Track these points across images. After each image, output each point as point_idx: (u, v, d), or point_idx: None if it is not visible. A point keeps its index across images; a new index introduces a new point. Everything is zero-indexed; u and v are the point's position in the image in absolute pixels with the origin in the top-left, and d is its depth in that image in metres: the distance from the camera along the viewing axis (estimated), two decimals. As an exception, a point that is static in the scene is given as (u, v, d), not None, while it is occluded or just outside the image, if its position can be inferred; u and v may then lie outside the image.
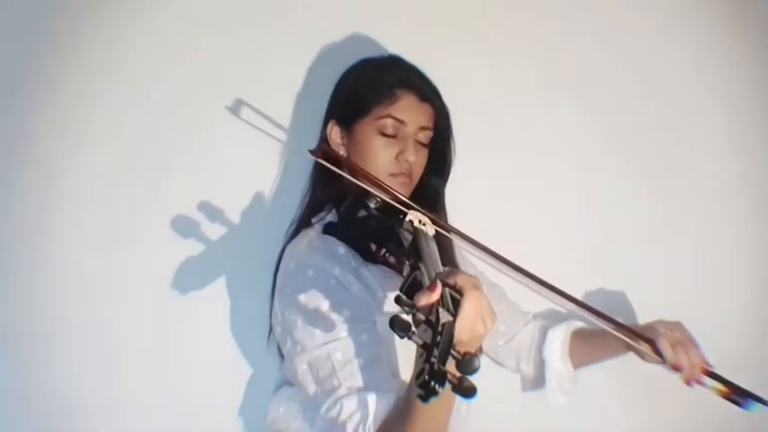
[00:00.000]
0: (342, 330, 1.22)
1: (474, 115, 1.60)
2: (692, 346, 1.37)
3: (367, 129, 1.38)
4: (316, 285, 1.26)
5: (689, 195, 1.74)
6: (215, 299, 1.60)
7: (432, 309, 0.94)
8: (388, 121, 1.37)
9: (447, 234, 1.33)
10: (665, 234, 1.73)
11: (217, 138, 1.62)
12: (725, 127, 1.73)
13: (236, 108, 1.60)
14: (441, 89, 1.43)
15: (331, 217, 1.41)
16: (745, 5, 1.73)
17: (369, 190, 1.31)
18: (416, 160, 1.39)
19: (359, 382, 1.19)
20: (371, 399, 1.16)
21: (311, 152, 1.34)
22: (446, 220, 1.47)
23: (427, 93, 1.41)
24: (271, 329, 1.40)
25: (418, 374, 0.85)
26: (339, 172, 1.32)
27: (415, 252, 1.15)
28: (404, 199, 1.32)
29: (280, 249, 1.41)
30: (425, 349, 0.88)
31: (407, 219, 1.21)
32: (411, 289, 1.06)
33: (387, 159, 1.37)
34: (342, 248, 1.32)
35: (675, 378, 1.38)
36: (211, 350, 1.61)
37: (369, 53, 1.50)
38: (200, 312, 1.60)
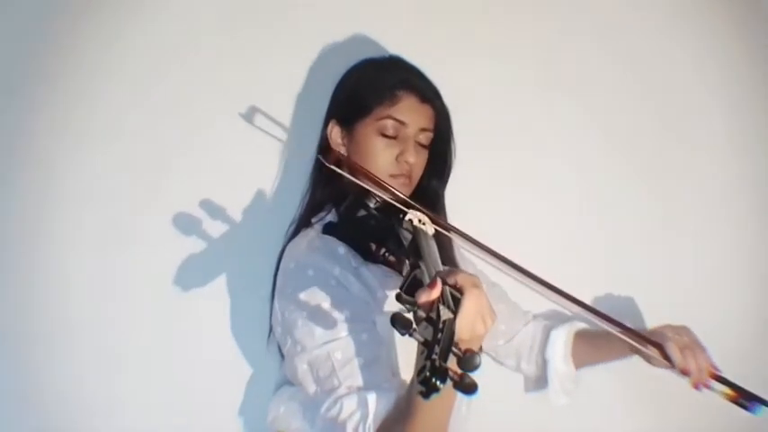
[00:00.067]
0: (342, 330, 1.23)
1: (474, 115, 1.60)
2: (700, 351, 1.38)
3: (367, 129, 1.38)
4: (316, 285, 1.26)
5: (689, 195, 1.74)
6: (215, 299, 1.60)
7: (432, 306, 0.94)
8: (389, 122, 1.37)
9: (446, 233, 1.33)
10: (665, 234, 1.73)
11: (217, 138, 1.62)
12: (725, 127, 1.74)
13: (236, 108, 1.60)
14: (441, 89, 1.43)
15: (331, 217, 1.41)
16: (745, 5, 1.74)
17: (370, 190, 1.31)
18: (416, 161, 1.39)
19: (359, 381, 1.19)
20: (371, 398, 1.16)
21: (323, 159, 1.34)
22: (445, 221, 1.47)
23: (428, 94, 1.41)
24: (271, 329, 1.40)
25: (420, 371, 0.85)
26: (351, 178, 1.33)
27: (414, 251, 1.15)
28: (404, 198, 1.32)
29: (280, 249, 1.41)
30: (427, 346, 0.88)
31: (407, 218, 1.21)
32: (411, 287, 1.06)
33: (387, 160, 1.37)
34: (342, 248, 1.32)
35: (678, 380, 1.39)
36: (211, 350, 1.61)
37: (369, 53, 1.50)
38: (200, 312, 1.60)
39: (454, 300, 0.97)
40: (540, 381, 1.60)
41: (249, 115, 1.60)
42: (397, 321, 0.88)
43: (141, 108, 1.60)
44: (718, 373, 1.38)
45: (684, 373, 1.36)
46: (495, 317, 1.02)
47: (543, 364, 1.57)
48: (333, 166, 1.33)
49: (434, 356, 0.85)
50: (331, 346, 1.22)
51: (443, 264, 1.12)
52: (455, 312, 0.94)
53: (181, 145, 1.61)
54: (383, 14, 1.66)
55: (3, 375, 1.57)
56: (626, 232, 1.72)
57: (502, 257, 1.32)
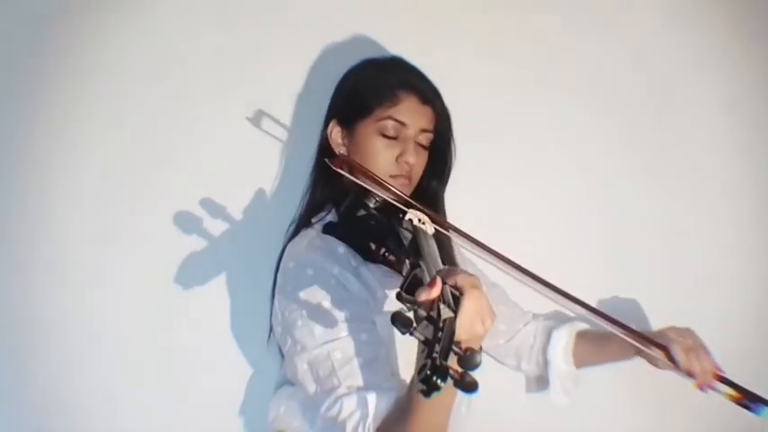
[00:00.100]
0: (341, 330, 1.23)
1: (474, 115, 1.60)
2: (704, 353, 1.39)
3: (368, 130, 1.38)
4: (315, 284, 1.26)
5: (689, 195, 1.74)
6: (215, 299, 1.60)
7: (432, 305, 0.94)
8: (389, 123, 1.37)
9: (446, 233, 1.33)
10: (666, 234, 1.73)
11: (217, 138, 1.61)
12: (725, 127, 1.74)
13: (236, 108, 1.60)
14: (441, 89, 1.43)
15: (331, 217, 1.41)
16: (745, 5, 1.74)
17: (370, 189, 1.31)
18: (416, 162, 1.39)
19: (358, 381, 1.19)
20: (371, 398, 1.16)
21: (330, 162, 1.34)
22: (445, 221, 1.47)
23: (429, 95, 1.41)
24: (271, 329, 1.40)
25: (420, 370, 0.85)
26: (358, 181, 1.33)
27: (414, 251, 1.16)
28: (404, 197, 1.32)
29: (280, 249, 1.41)
30: (427, 345, 0.88)
31: (407, 217, 1.21)
32: (411, 287, 1.06)
33: (387, 161, 1.37)
34: (341, 248, 1.32)
35: (679, 380, 1.39)
36: (212, 350, 1.61)
37: (369, 53, 1.50)
38: (200, 312, 1.60)
39: (454, 299, 0.97)
40: (541, 381, 1.60)
41: (249, 115, 1.60)
42: (398, 320, 0.89)
43: (141, 108, 1.60)
44: (723, 375, 1.39)
45: (689, 374, 1.37)
46: (494, 317, 1.02)
47: (544, 364, 1.57)
48: (339, 170, 1.33)
49: (435, 355, 0.86)
50: (331, 346, 1.22)
51: (443, 263, 1.12)
52: (455, 311, 0.95)
53: (181, 145, 1.61)
54: (383, 14, 1.66)
55: (3, 375, 1.56)
56: (626, 232, 1.72)
57: (502, 257, 1.32)
